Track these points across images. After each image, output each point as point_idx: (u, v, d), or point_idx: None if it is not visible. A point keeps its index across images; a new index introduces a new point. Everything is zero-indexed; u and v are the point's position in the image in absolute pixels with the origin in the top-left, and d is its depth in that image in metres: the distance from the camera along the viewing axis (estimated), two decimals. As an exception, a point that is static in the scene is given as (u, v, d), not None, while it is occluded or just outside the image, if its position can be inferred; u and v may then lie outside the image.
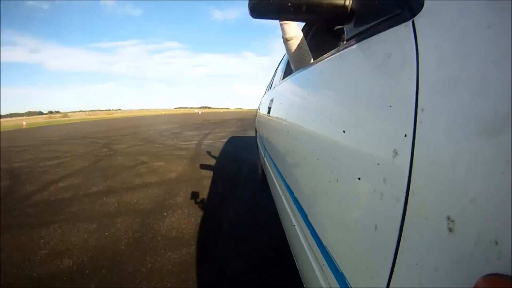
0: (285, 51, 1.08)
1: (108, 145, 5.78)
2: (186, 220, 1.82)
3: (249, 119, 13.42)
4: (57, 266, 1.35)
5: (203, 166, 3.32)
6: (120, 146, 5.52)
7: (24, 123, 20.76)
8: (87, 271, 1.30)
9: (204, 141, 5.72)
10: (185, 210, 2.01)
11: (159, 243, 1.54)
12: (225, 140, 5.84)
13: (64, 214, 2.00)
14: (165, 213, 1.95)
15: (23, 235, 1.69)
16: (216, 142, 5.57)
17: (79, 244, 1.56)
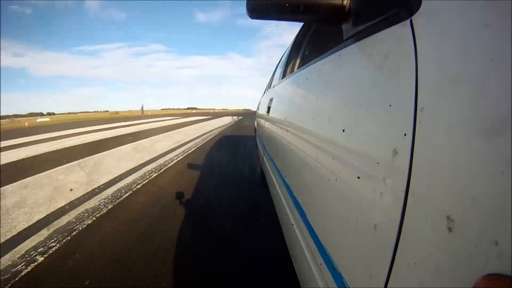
0: (284, 51, 1.07)
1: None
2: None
3: (241, 113, 30.65)
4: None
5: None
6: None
7: (149, 113, 31.43)
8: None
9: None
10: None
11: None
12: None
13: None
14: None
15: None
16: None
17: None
